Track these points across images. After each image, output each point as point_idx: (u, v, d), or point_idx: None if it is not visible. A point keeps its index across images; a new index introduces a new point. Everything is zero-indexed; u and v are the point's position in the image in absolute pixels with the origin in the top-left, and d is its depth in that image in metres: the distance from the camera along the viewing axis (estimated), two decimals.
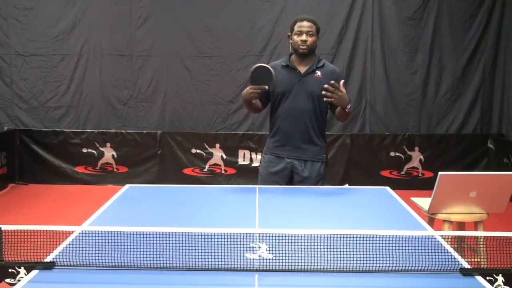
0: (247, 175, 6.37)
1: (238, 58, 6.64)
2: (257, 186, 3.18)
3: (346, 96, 3.10)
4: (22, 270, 1.86)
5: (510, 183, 3.11)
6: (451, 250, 2.09)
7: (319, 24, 3.34)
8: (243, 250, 1.96)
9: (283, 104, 3.29)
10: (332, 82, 3.03)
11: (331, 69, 3.35)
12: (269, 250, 2.00)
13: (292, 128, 3.28)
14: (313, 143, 3.30)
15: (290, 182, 3.36)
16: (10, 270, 1.86)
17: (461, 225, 3.51)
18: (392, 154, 6.58)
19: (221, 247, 1.95)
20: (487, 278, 1.82)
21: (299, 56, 3.29)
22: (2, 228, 1.89)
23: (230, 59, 6.65)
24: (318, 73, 3.29)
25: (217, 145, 6.54)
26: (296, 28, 3.25)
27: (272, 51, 6.58)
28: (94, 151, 6.66)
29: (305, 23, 3.22)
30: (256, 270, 1.88)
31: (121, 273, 1.86)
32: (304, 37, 3.22)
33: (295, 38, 3.25)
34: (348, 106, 3.14)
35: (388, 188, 3.20)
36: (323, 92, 3.01)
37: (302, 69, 3.30)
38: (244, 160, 6.53)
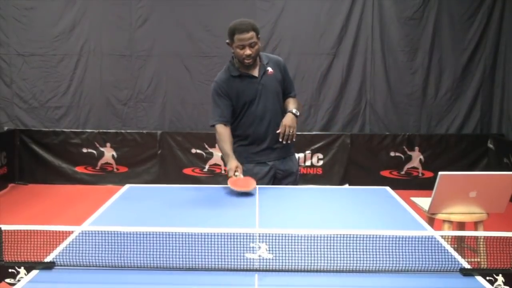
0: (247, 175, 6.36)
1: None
2: (257, 186, 3.17)
3: (290, 119, 3.14)
4: (22, 270, 1.86)
5: (510, 183, 3.11)
6: (451, 250, 2.09)
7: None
8: (243, 250, 1.96)
9: (252, 111, 3.20)
10: (280, 131, 3.09)
11: (275, 61, 3.29)
12: (269, 250, 2.00)
13: (265, 131, 3.20)
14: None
15: (273, 182, 3.34)
16: (10, 270, 1.86)
17: (461, 225, 3.51)
18: (392, 154, 6.58)
19: (221, 247, 1.95)
20: (487, 278, 1.82)
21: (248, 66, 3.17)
22: (2, 228, 1.90)
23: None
24: (269, 69, 3.22)
25: (217, 145, 6.52)
26: (236, 41, 3.03)
27: (272, 51, 6.56)
28: (94, 151, 6.66)
29: (245, 35, 2.99)
30: (256, 270, 1.88)
31: (121, 273, 1.86)
32: (248, 51, 3.03)
33: (238, 51, 3.05)
34: (297, 114, 3.20)
35: (388, 188, 3.20)
36: (283, 140, 3.09)
37: (255, 72, 3.19)
38: None
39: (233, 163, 3.08)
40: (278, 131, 3.14)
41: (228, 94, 3.18)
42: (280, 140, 3.11)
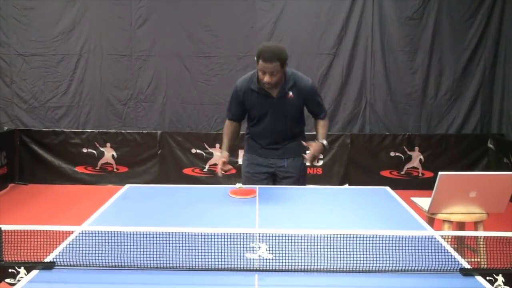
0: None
1: (238, 58, 6.64)
2: (257, 186, 3.18)
3: (317, 150, 3.20)
4: (22, 270, 1.86)
5: (510, 183, 3.11)
6: (451, 250, 2.09)
7: (286, 53, 3.10)
8: (243, 250, 1.97)
9: (261, 123, 3.34)
10: (307, 158, 3.16)
11: (302, 87, 3.22)
12: (269, 250, 2.00)
13: (274, 141, 3.37)
14: (291, 142, 3.37)
15: (274, 179, 3.43)
16: (10, 270, 1.86)
17: (461, 225, 3.51)
18: (392, 154, 6.57)
19: (221, 247, 1.95)
20: (487, 278, 1.82)
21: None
22: (2, 228, 1.90)
23: (230, 59, 6.65)
24: (290, 93, 3.20)
25: (217, 145, 6.53)
26: (259, 65, 3.03)
27: None
28: (94, 151, 6.66)
29: (268, 65, 2.98)
30: (256, 270, 1.88)
31: (121, 273, 1.86)
32: (267, 78, 3.03)
33: (260, 74, 3.07)
34: (326, 145, 3.31)
35: (388, 188, 3.21)
36: (308, 164, 3.23)
37: (274, 92, 3.18)
38: None
39: (224, 153, 3.28)
40: (305, 144, 3.19)
41: (242, 103, 3.29)
42: (305, 162, 3.24)
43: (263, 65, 3.01)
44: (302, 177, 3.43)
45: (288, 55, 3.18)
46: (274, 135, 3.35)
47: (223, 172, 3.17)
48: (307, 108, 3.36)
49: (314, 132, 3.40)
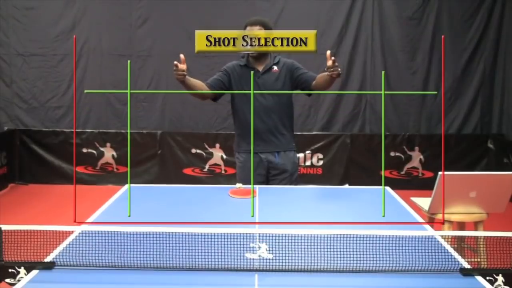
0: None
1: (238, 58, 6.61)
2: (257, 186, 3.18)
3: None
4: (22, 270, 1.86)
5: (510, 183, 3.11)
6: (451, 250, 2.09)
7: (271, 26, 3.36)
8: (243, 250, 1.96)
9: (247, 103, 3.36)
10: (333, 58, 3.05)
11: (287, 62, 3.44)
12: (269, 250, 2.00)
13: (259, 125, 3.34)
14: (280, 134, 3.39)
15: (267, 176, 3.42)
16: (10, 270, 1.86)
17: (461, 225, 3.51)
18: (392, 154, 6.57)
19: (221, 247, 1.95)
20: (487, 278, 1.82)
21: (253, 57, 3.40)
22: (2, 228, 1.90)
23: (230, 59, 6.63)
24: (275, 67, 3.40)
25: (217, 145, 6.54)
26: (246, 31, 3.27)
27: None
28: (94, 151, 6.66)
29: (253, 28, 3.28)
30: (256, 270, 1.88)
31: (121, 273, 1.86)
32: None
33: None
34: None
35: (388, 188, 3.20)
36: (330, 72, 3.02)
37: (260, 67, 3.41)
38: None
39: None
40: (329, 52, 3.08)
41: (227, 75, 3.44)
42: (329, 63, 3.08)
43: (248, 29, 3.27)
44: (294, 173, 3.44)
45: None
46: (260, 115, 3.32)
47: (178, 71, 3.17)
48: (298, 83, 3.36)
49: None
